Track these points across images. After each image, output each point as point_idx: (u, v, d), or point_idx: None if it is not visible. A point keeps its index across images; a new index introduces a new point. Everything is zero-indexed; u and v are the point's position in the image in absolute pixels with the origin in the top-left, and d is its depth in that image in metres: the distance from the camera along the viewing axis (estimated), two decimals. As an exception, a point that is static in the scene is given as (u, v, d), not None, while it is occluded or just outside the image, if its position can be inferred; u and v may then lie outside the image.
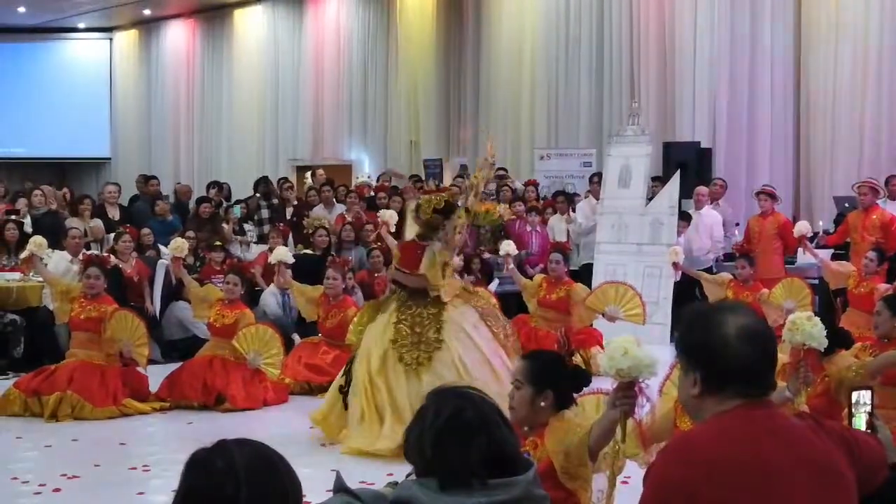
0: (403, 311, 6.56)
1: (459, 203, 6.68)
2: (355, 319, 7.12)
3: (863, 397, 2.72)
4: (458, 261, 7.11)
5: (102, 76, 23.08)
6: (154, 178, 14.42)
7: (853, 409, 2.72)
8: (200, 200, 12.20)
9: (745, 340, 2.21)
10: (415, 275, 6.55)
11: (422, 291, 6.56)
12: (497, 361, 6.41)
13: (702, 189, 11.37)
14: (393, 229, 8.18)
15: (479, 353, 6.41)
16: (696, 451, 2.18)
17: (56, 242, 9.38)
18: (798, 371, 4.37)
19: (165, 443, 6.94)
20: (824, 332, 4.43)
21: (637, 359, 3.28)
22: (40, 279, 8.67)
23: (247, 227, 12.37)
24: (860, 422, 2.70)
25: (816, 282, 9.86)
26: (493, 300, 7.52)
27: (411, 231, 6.88)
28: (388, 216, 8.38)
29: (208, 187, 14.30)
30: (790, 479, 2.14)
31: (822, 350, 4.55)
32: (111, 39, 23.16)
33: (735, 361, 2.21)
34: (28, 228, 10.11)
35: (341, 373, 6.75)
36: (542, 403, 3.58)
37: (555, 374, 3.64)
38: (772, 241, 10.43)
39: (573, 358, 3.82)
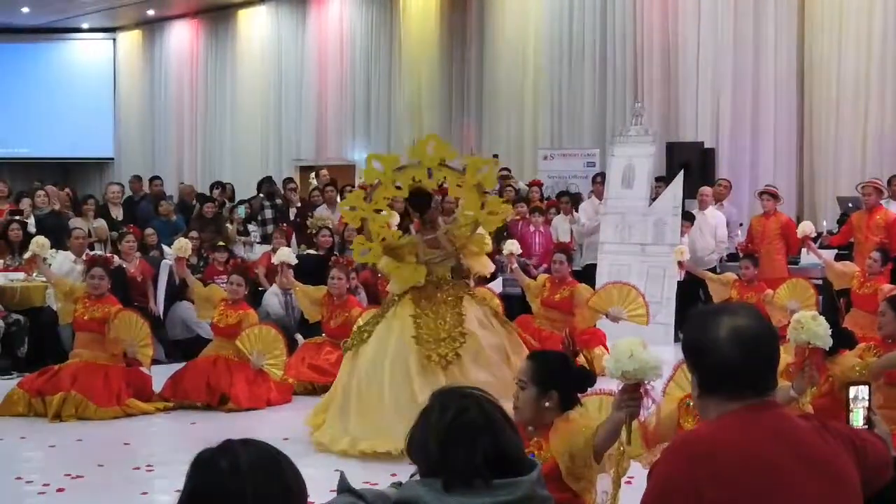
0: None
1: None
2: None
3: (861, 392, 2.71)
4: (482, 267, 6.97)
5: (106, 76, 23.09)
6: (157, 178, 14.43)
7: (851, 405, 2.71)
8: (204, 200, 12.20)
9: (734, 343, 2.21)
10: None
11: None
12: (393, 368, 6.27)
13: (706, 189, 11.36)
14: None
15: (382, 359, 6.35)
16: (700, 449, 2.18)
17: (59, 243, 9.38)
18: (803, 370, 4.37)
19: (169, 443, 6.96)
20: (829, 332, 4.42)
21: (643, 361, 3.28)
22: (44, 279, 8.68)
23: (250, 227, 12.38)
24: (858, 417, 2.69)
25: (820, 282, 9.83)
26: (497, 301, 7.49)
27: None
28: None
29: (212, 187, 14.32)
30: (792, 479, 2.14)
31: (827, 349, 4.54)
32: (115, 40, 23.17)
33: (724, 363, 2.21)
34: (31, 229, 10.11)
35: None
36: (547, 404, 3.58)
37: (559, 375, 3.64)
38: (775, 242, 10.42)
39: (578, 358, 3.81)
